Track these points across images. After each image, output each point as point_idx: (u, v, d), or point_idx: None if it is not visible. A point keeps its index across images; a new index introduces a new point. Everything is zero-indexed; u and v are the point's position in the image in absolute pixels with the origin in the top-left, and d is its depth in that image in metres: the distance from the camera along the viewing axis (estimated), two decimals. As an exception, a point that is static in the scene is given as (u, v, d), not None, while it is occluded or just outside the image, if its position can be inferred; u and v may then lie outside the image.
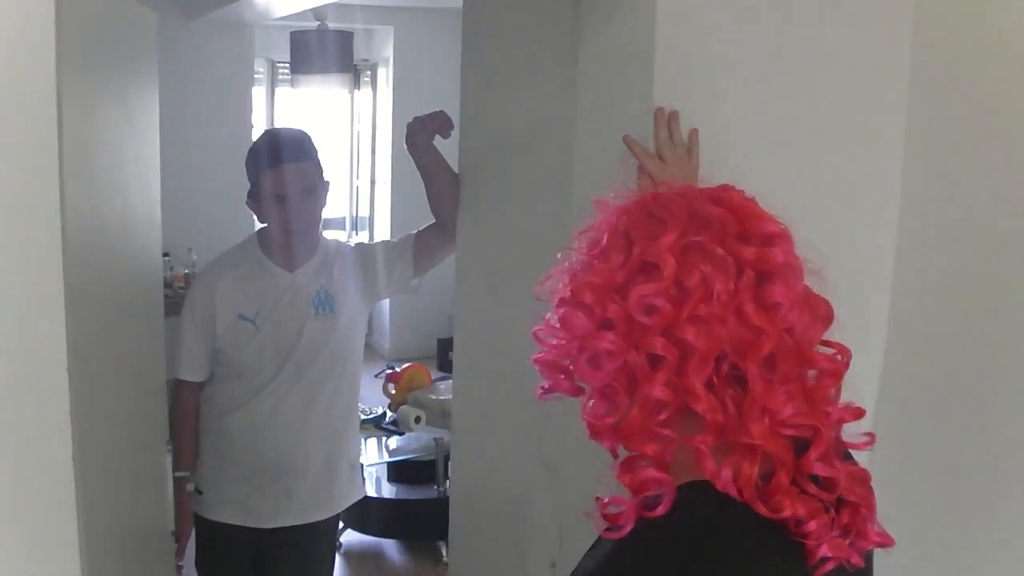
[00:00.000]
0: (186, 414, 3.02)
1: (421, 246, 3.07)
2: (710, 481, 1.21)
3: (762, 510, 1.20)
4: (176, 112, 7.13)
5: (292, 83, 8.33)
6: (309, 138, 2.97)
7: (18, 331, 1.76)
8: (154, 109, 2.78)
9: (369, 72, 10.00)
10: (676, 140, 1.82)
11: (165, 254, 6.84)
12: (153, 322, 2.82)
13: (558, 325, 1.21)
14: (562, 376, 1.24)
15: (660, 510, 1.20)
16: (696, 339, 1.16)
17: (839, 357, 1.28)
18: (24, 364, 1.78)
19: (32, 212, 1.75)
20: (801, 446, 1.23)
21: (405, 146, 2.82)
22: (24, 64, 1.71)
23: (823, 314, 1.27)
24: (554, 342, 1.22)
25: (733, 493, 1.20)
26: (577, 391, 1.25)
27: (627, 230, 1.21)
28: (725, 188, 1.28)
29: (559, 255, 1.24)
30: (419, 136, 2.80)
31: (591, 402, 1.23)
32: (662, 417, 1.19)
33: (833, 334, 1.28)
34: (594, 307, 1.18)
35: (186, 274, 7.21)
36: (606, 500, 1.26)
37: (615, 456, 1.27)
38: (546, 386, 1.27)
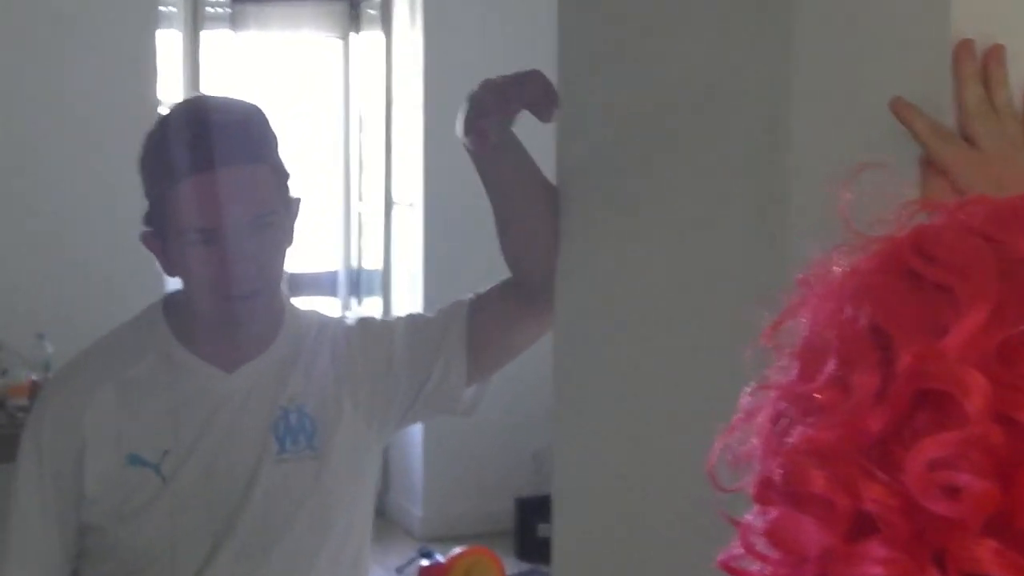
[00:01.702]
0: None
1: (485, 322, 2.07)
2: None
3: None
4: (14, 87, 5.41)
5: (231, 22, 6.04)
6: (261, 118, 2.00)
7: None
8: None
9: (377, 1, 6.60)
10: (1000, 104, 1.24)
11: None
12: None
13: (763, 538, 0.73)
14: None
15: None
16: None
17: None
18: None
19: None
20: None
21: (461, 138, 1.81)
22: None
23: None
24: (758, 568, 0.74)
25: None
26: None
27: (876, 320, 0.72)
28: None
29: (755, 348, 0.76)
30: (489, 119, 1.77)
31: None
32: None
33: None
34: (835, 499, 0.70)
35: (34, 382, 5.02)
36: None
37: None
38: None
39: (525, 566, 5.69)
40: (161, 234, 1.97)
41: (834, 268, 0.77)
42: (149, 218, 1.99)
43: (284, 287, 2.08)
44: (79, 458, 2.01)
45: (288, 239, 2.01)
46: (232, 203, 1.91)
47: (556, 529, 1.82)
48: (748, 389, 0.78)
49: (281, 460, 2.05)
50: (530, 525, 6.06)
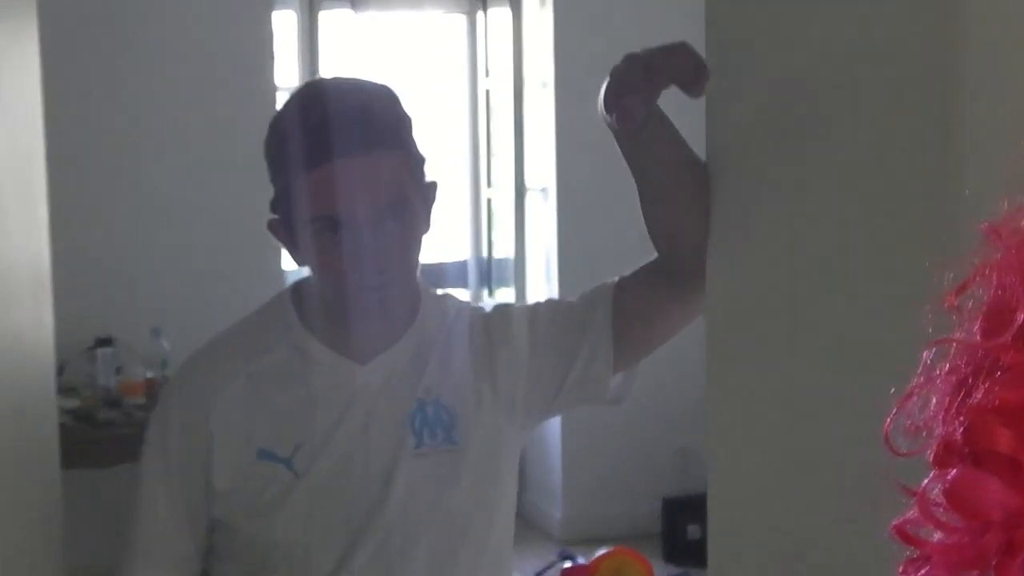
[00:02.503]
0: None
1: (631, 306, 2.04)
2: None
3: None
4: (131, 77, 5.37)
5: (351, 1, 6.03)
6: (392, 100, 1.96)
7: None
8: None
9: None
10: None
11: (106, 341, 5.12)
12: (38, 487, 2.32)
13: (944, 501, 0.74)
14: None
15: None
16: None
17: None
18: None
19: None
20: None
21: (604, 116, 1.79)
22: None
23: None
24: (938, 538, 0.75)
25: None
26: None
27: None
28: None
29: (930, 316, 0.77)
30: (633, 95, 1.74)
31: None
32: None
33: None
34: (1021, 457, 0.71)
35: (149, 380, 4.98)
36: None
37: None
38: None
39: (674, 570, 5.59)
40: (289, 223, 1.94)
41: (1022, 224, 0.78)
42: (276, 206, 1.96)
43: (418, 274, 2.02)
44: (208, 454, 2.00)
45: (424, 226, 1.97)
46: (361, 192, 1.88)
47: (712, 530, 1.81)
48: (929, 351, 0.77)
49: (419, 454, 2.01)
50: (679, 526, 5.90)
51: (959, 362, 0.75)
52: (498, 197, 6.69)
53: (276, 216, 1.96)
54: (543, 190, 6.32)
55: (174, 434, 2.02)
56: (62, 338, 5.06)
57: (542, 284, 6.35)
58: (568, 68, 5.89)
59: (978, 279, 0.76)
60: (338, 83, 2.05)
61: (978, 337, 0.75)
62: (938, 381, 0.76)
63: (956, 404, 0.75)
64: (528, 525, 6.21)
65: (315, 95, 1.96)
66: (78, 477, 4.38)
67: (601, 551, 4.32)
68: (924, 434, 0.76)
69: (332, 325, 2.01)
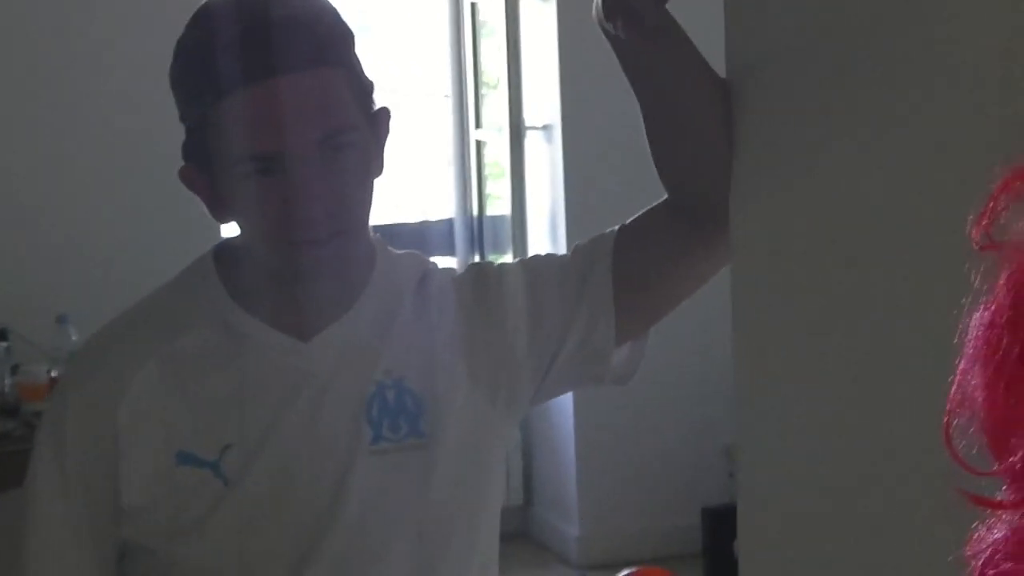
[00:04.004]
0: None
1: (636, 260, 1.94)
2: None
3: None
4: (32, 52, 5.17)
5: None
6: (332, 10, 1.88)
7: None
8: None
9: None
10: None
11: (0, 334, 4.88)
12: None
13: None
14: None
15: None
16: None
17: None
18: None
19: None
20: None
21: (602, 22, 1.73)
22: None
23: None
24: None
25: None
26: None
27: None
28: None
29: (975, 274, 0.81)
30: None
31: None
32: None
33: None
34: None
35: (54, 380, 4.62)
36: None
37: None
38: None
39: None
40: (206, 168, 1.90)
41: None
42: (188, 149, 1.91)
43: (368, 227, 1.98)
44: (114, 459, 1.95)
45: (376, 165, 1.93)
46: (297, 118, 1.84)
47: (743, 544, 1.86)
48: (973, 323, 0.80)
49: (378, 451, 1.95)
50: (722, 541, 5.45)
51: (1001, 322, 0.76)
52: (490, 139, 6.21)
53: (190, 163, 1.94)
54: (545, 128, 5.82)
55: (71, 436, 1.99)
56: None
57: (547, 248, 5.67)
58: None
59: (1007, 198, 0.78)
60: None
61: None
62: (982, 358, 0.78)
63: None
64: (537, 546, 6.02)
65: (228, 6, 1.93)
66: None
67: (625, 572, 4.50)
68: (973, 428, 0.78)
69: (267, 294, 1.99)
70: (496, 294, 2.01)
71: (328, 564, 1.93)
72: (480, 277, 2.02)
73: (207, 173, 1.87)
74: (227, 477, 1.91)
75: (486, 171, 6.29)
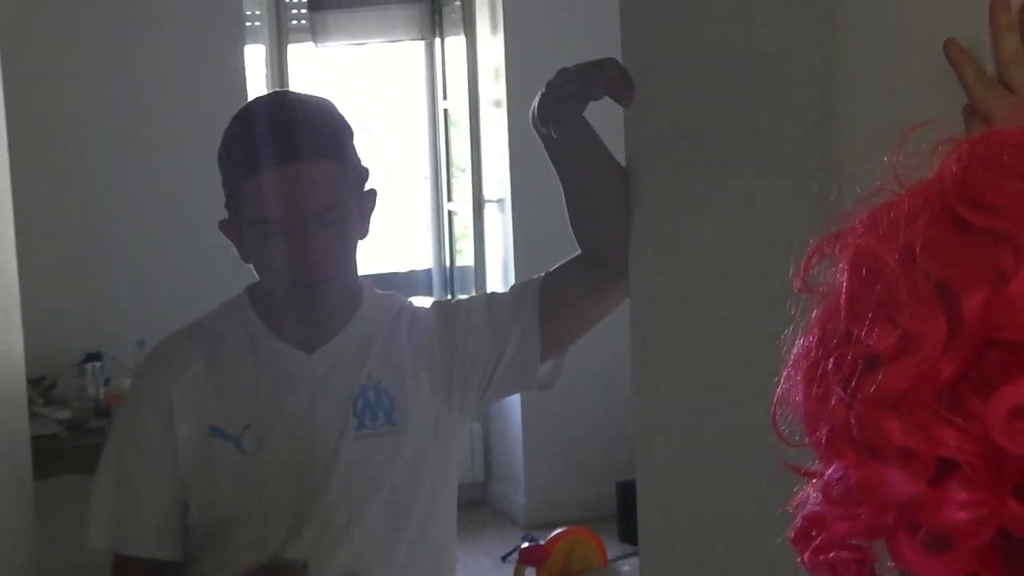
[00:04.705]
0: None
1: (557, 296, 2.04)
2: None
3: None
4: (107, 108, 5.52)
5: (312, 33, 5.94)
6: (331, 113, 2.00)
7: None
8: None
9: (459, 3, 6.55)
10: None
11: (95, 356, 5.25)
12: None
13: (847, 490, 0.73)
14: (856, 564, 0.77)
15: None
16: None
17: None
18: None
19: None
20: None
21: (536, 125, 1.82)
22: None
23: None
24: (840, 522, 0.75)
25: None
26: None
27: (930, 268, 0.71)
28: None
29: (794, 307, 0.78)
30: (568, 103, 1.77)
31: None
32: None
33: None
34: (916, 447, 0.69)
35: None
36: None
37: None
38: None
39: (629, 548, 5.41)
40: (235, 223, 2.00)
41: (874, 215, 0.77)
42: (227, 208, 2.03)
43: (355, 270, 2.08)
44: (170, 425, 2.04)
45: (361, 231, 2.02)
46: (297, 197, 1.92)
47: (642, 509, 1.84)
48: (794, 342, 0.79)
49: (361, 436, 2.05)
50: (632, 508, 5.71)
51: (818, 349, 0.75)
52: (458, 209, 6.77)
53: (227, 219, 2.02)
54: (499, 201, 6.37)
55: (143, 404, 2.07)
56: (55, 355, 5.27)
57: (500, 289, 5.86)
58: (519, 89, 5.94)
59: (817, 257, 0.79)
60: (281, 97, 2.15)
61: (843, 327, 0.75)
62: (800, 368, 0.77)
63: (834, 394, 0.74)
64: (495, 512, 6.43)
65: (259, 108, 2.03)
66: (73, 482, 4.34)
67: (557, 531, 4.60)
68: (794, 416, 0.77)
69: (282, 318, 2.04)
70: (452, 323, 2.10)
71: (321, 519, 2.03)
72: (441, 310, 2.14)
73: (236, 227, 2.00)
74: (245, 449, 2.03)
75: (456, 233, 6.82)
